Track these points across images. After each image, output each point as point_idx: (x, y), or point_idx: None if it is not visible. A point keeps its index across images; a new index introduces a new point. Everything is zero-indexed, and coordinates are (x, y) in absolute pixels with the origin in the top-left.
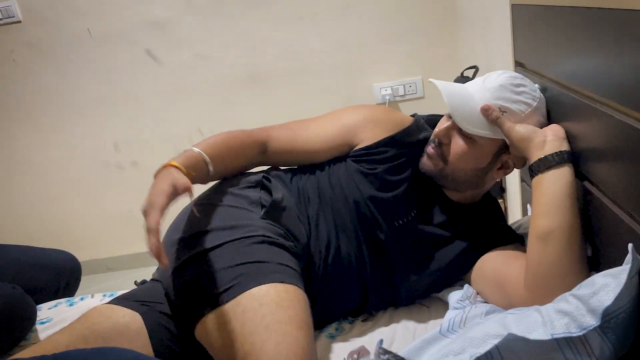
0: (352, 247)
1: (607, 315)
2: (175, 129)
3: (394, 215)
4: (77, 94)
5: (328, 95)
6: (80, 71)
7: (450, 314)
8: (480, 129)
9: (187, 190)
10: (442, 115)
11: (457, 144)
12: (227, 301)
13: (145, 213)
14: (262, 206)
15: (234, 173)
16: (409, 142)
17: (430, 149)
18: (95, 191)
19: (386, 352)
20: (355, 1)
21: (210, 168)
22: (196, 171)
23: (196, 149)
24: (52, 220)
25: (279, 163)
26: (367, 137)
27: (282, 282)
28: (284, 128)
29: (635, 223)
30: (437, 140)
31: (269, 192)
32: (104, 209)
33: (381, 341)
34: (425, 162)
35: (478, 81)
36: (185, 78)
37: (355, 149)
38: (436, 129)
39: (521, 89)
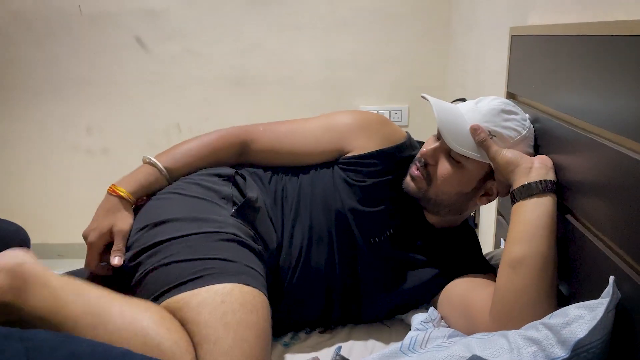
0: (324, 257)
1: (579, 348)
2: (153, 121)
3: (370, 232)
4: (56, 71)
5: (313, 109)
6: (64, 48)
7: (412, 334)
8: (468, 150)
9: (123, 235)
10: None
11: (444, 166)
12: (185, 291)
13: (85, 240)
14: (234, 203)
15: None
16: (399, 158)
17: (414, 169)
18: (59, 173)
19: (343, 358)
20: (353, 21)
21: (167, 182)
22: (150, 189)
23: (156, 163)
24: (7, 194)
25: (261, 163)
26: (359, 146)
27: (248, 284)
28: (270, 127)
29: (617, 256)
30: (422, 160)
31: (241, 189)
32: (65, 193)
33: (339, 347)
34: (409, 183)
35: (470, 103)
36: (171, 71)
37: (345, 155)
38: (423, 149)
39: (512, 115)
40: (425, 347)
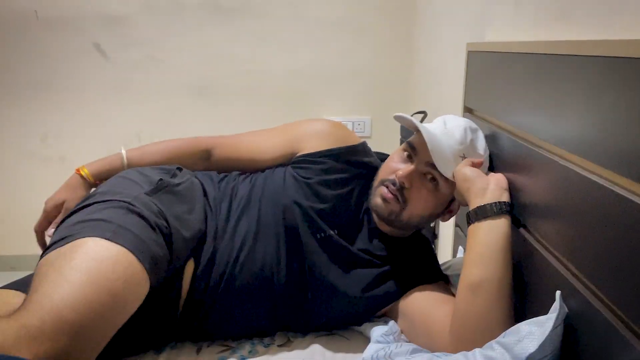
0: (270, 249)
1: None
2: (113, 129)
3: (315, 227)
4: (10, 76)
5: (276, 120)
6: (19, 52)
7: (373, 347)
8: (450, 174)
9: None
10: (385, 155)
11: (421, 190)
12: (51, 250)
13: (44, 210)
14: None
15: None
16: (350, 160)
17: (387, 192)
18: (14, 182)
19: None
20: (318, 32)
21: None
22: (110, 174)
23: (123, 154)
24: None
25: (223, 169)
26: (310, 147)
27: (108, 239)
28: (234, 137)
29: (565, 269)
30: (398, 183)
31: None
32: (19, 203)
33: None
34: (379, 205)
35: (439, 124)
36: (132, 78)
37: (296, 155)
38: (399, 173)
39: (478, 134)
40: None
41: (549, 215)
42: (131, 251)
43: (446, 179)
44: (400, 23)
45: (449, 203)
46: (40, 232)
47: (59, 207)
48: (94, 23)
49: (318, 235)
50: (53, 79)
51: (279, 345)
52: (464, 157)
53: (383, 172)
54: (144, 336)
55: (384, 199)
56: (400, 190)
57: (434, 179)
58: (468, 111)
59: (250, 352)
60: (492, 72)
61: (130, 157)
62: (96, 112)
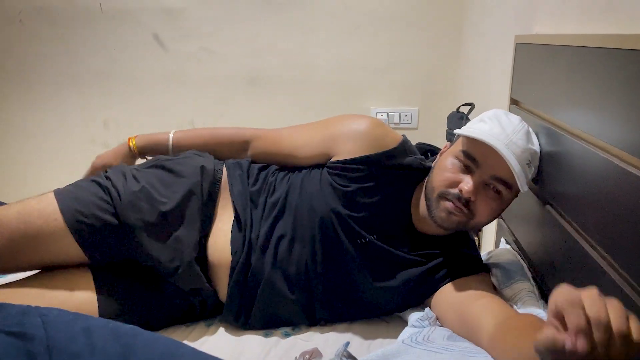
0: (306, 253)
1: None
2: (167, 117)
3: (355, 234)
4: (76, 66)
5: (324, 110)
6: (84, 44)
7: (409, 331)
8: (525, 187)
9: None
10: (429, 145)
11: (488, 200)
12: None
13: (93, 165)
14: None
15: None
16: (387, 165)
17: (452, 206)
18: (77, 166)
19: (350, 356)
20: (366, 24)
21: (170, 150)
22: (152, 150)
23: (170, 136)
24: (25, 185)
25: (261, 162)
26: (345, 150)
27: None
28: (272, 131)
29: (604, 261)
30: (464, 199)
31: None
32: None
33: (347, 344)
34: (444, 218)
35: (495, 128)
36: (186, 69)
37: (332, 159)
38: (465, 188)
39: (531, 132)
40: (428, 340)
41: (589, 207)
42: (60, 209)
43: (510, 186)
44: (449, 15)
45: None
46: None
47: (104, 167)
48: (154, 15)
49: (358, 242)
50: (114, 68)
51: (320, 325)
52: (529, 164)
53: (438, 182)
54: (194, 307)
55: (451, 212)
56: (466, 204)
57: (496, 187)
58: (514, 103)
59: (293, 328)
60: (538, 64)
61: (176, 138)
62: (153, 100)
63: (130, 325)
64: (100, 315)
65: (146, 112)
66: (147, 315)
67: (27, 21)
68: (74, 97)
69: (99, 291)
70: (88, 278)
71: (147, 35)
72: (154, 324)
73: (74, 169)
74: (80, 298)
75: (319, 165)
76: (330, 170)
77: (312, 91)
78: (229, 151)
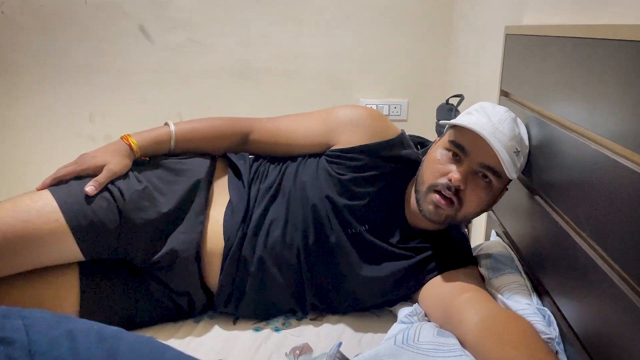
0: (298, 238)
1: None
2: (155, 109)
3: (346, 223)
4: (61, 58)
5: (314, 101)
6: (69, 35)
7: (397, 327)
8: (514, 175)
9: (110, 175)
10: (419, 137)
11: (478, 189)
12: None
13: (80, 157)
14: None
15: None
16: (385, 156)
17: (439, 199)
18: (62, 159)
19: (343, 357)
20: (356, 15)
21: (172, 147)
22: (154, 150)
23: (171, 128)
24: (10, 178)
25: (259, 152)
26: (344, 140)
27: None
28: (272, 120)
29: (594, 252)
30: (453, 188)
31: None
32: None
33: (340, 344)
34: (432, 211)
35: (482, 119)
36: (174, 60)
37: (331, 148)
38: (455, 177)
39: (518, 121)
40: (418, 341)
41: (579, 199)
42: (55, 200)
43: (499, 174)
44: (439, 6)
45: (500, 196)
46: (62, 178)
47: (97, 167)
48: (140, 6)
49: (349, 231)
50: (100, 60)
51: (311, 319)
52: (517, 152)
53: (429, 174)
54: (181, 307)
55: (438, 205)
56: (456, 193)
57: (485, 176)
58: (504, 94)
59: (283, 324)
60: (529, 55)
61: (177, 137)
62: (140, 93)
63: (115, 328)
64: (82, 311)
65: (132, 104)
66: (133, 314)
67: (9, 12)
68: (59, 90)
69: (82, 287)
70: (72, 274)
71: (133, 26)
72: (139, 322)
73: (59, 163)
74: (62, 294)
75: (316, 155)
76: (328, 158)
77: (301, 83)
78: (227, 143)
